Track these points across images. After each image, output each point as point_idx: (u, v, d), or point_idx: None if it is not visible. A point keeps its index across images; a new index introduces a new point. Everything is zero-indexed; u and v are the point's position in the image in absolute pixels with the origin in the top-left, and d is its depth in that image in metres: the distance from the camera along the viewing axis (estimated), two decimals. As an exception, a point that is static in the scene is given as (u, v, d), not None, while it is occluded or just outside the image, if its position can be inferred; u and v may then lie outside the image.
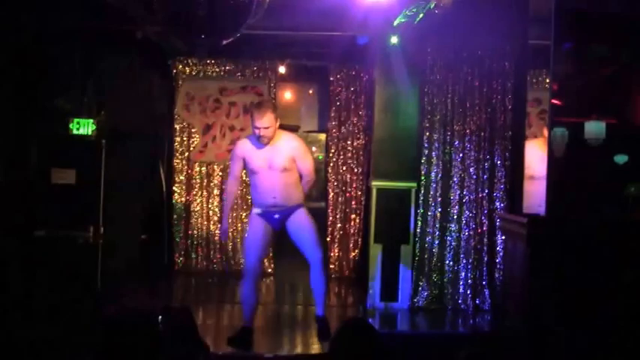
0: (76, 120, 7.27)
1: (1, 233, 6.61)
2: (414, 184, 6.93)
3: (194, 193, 8.48)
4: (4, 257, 6.56)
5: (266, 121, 5.28)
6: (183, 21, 4.66)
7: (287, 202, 5.47)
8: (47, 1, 6.69)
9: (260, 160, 5.40)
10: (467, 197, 6.94)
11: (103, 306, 6.23)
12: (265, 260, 7.68)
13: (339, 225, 8.52)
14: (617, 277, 4.82)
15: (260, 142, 5.36)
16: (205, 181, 8.48)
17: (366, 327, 3.13)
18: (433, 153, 6.96)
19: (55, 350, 4.85)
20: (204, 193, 8.48)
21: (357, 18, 6.42)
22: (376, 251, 6.97)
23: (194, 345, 3.56)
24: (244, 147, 5.49)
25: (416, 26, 6.39)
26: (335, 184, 8.55)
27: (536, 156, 5.70)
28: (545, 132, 5.80)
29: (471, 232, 6.94)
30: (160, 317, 3.26)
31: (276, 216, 5.49)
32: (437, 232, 6.97)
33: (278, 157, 5.40)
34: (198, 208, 8.50)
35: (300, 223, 5.51)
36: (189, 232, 8.49)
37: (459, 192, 6.94)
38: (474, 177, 6.94)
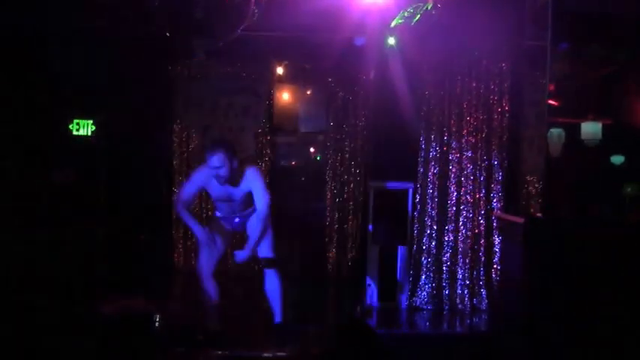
0: (75, 121, 7.30)
1: (1, 233, 6.63)
2: (412, 185, 6.96)
3: (193, 193, 8.49)
4: (4, 257, 6.58)
5: (216, 160, 5.15)
6: (181, 22, 4.68)
7: (248, 213, 5.55)
8: (47, 1, 6.71)
9: (220, 193, 5.40)
10: (464, 198, 6.95)
11: (101, 306, 6.24)
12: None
13: (337, 226, 8.53)
14: (615, 277, 4.84)
15: (217, 181, 5.28)
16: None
17: (364, 327, 3.15)
18: (430, 154, 6.98)
19: (54, 350, 4.87)
20: (203, 193, 8.49)
21: (354, 19, 6.43)
22: (374, 252, 7.00)
23: (191, 343, 3.59)
24: (205, 177, 5.37)
25: (413, 27, 6.42)
26: (333, 184, 8.57)
27: None
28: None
29: (468, 233, 6.96)
30: (158, 316, 3.29)
31: (237, 220, 5.53)
32: (434, 233, 6.98)
33: (237, 192, 5.39)
34: (197, 208, 8.52)
35: (258, 218, 5.42)
36: (189, 232, 8.50)
37: (456, 193, 6.96)
38: (471, 178, 6.95)
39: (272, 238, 5.58)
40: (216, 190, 5.40)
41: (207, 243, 5.38)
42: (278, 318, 5.55)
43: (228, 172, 5.21)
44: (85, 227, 7.05)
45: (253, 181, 5.39)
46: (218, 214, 5.62)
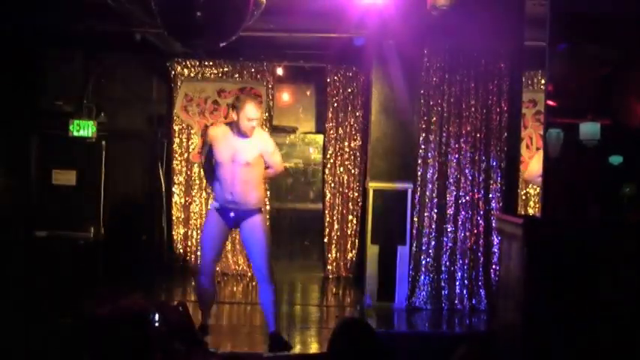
0: (76, 122, 7.31)
1: (1, 233, 6.65)
2: (411, 185, 6.96)
3: (193, 193, 8.52)
4: (4, 257, 6.60)
5: (254, 110, 5.32)
6: (181, 23, 4.69)
7: (243, 201, 5.41)
8: (47, 2, 6.73)
9: (225, 152, 5.38)
10: (463, 198, 6.96)
11: (99, 306, 6.25)
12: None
13: (336, 226, 8.56)
14: (614, 277, 4.84)
15: (244, 134, 5.35)
16: (204, 181, 8.51)
17: (363, 327, 3.16)
18: (429, 154, 6.99)
19: (53, 351, 4.87)
20: (203, 194, 8.51)
21: (353, 20, 6.45)
22: (373, 252, 7.01)
23: (191, 342, 3.60)
24: (216, 133, 5.49)
25: (412, 28, 6.44)
26: (332, 185, 8.59)
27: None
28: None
29: (467, 233, 6.97)
30: (157, 315, 3.29)
31: (232, 214, 5.44)
32: (433, 233, 6.99)
33: (246, 151, 5.38)
34: (197, 208, 8.54)
35: (253, 231, 5.44)
36: (188, 232, 8.53)
37: (455, 193, 6.97)
38: (470, 178, 6.96)
39: (266, 244, 5.48)
40: (223, 148, 5.38)
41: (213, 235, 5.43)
42: (272, 328, 5.52)
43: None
44: (85, 227, 7.07)
45: (266, 139, 5.55)
46: (214, 205, 5.53)
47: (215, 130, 5.55)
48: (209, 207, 5.70)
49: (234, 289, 7.90)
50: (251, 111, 5.30)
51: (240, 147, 5.37)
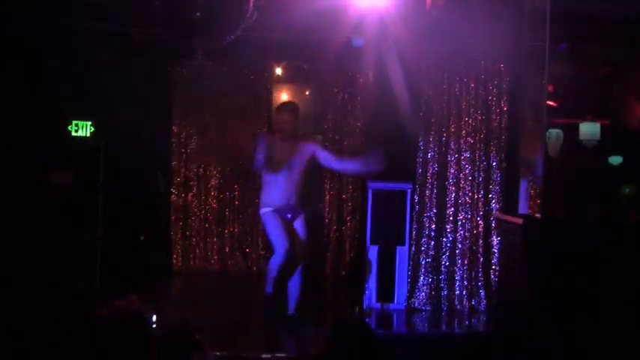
0: (74, 122, 7.29)
1: (0, 235, 6.63)
2: (410, 186, 6.95)
3: (192, 194, 8.50)
4: (3, 259, 6.58)
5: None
6: (180, 23, 4.68)
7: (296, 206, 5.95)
8: (47, 2, 6.71)
9: (281, 156, 5.89)
10: (462, 198, 6.95)
11: (98, 307, 6.24)
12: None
13: (335, 226, 8.54)
14: (614, 277, 4.84)
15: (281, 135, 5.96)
16: (203, 182, 8.50)
17: (363, 327, 3.15)
18: (429, 154, 6.97)
19: (52, 351, 4.86)
20: (202, 194, 8.50)
21: (353, 20, 6.44)
22: (372, 252, 6.99)
23: (190, 344, 3.58)
24: (269, 137, 6.04)
25: (411, 28, 6.43)
26: (331, 185, 8.57)
27: None
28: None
29: (467, 234, 6.96)
30: (155, 316, 3.28)
31: (288, 215, 5.91)
32: (433, 234, 6.98)
33: (298, 156, 5.96)
34: (196, 209, 8.53)
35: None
36: (187, 233, 8.52)
37: (454, 193, 6.95)
38: (470, 178, 6.94)
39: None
40: (278, 152, 5.80)
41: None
42: (292, 309, 5.98)
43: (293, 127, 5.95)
44: (84, 228, 7.04)
45: (314, 144, 6.10)
46: (265, 209, 5.88)
47: (263, 137, 6.05)
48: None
49: (233, 289, 7.88)
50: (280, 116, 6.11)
51: (292, 151, 5.97)
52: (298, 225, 5.96)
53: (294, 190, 5.85)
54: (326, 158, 5.98)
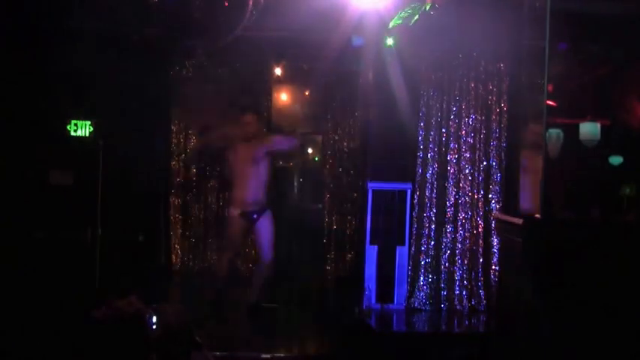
0: (73, 121, 7.29)
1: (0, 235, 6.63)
2: (410, 186, 6.95)
3: (191, 194, 8.50)
4: (2, 258, 6.57)
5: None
6: (180, 23, 4.68)
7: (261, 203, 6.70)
8: (46, 2, 6.71)
9: (245, 154, 6.59)
10: (462, 198, 6.96)
11: (97, 308, 6.23)
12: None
13: (335, 226, 8.54)
14: (614, 277, 4.84)
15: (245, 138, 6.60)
16: (202, 182, 8.50)
17: (363, 327, 3.15)
18: (429, 154, 6.98)
19: (52, 352, 4.86)
20: (202, 194, 8.50)
21: (352, 20, 6.43)
22: (372, 252, 6.99)
23: (188, 344, 3.58)
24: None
25: (411, 28, 6.41)
26: (331, 185, 8.57)
27: None
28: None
29: (467, 234, 6.96)
30: (154, 317, 3.28)
31: (254, 216, 6.58)
32: (432, 234, 6.98)
33: (259, 150, 6.63)
34: (195, 209, 8.52)
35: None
36: (187, 233, 8.51)
37: (454, 193, 6.96)
38: (470, 178, 6.95)
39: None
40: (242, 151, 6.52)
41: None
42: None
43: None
44: (82, 228, 7.03)
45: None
46: (234, 212, 6.43)
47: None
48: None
49: (232, 289, 7.87)
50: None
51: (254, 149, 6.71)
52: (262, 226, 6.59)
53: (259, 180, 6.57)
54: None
